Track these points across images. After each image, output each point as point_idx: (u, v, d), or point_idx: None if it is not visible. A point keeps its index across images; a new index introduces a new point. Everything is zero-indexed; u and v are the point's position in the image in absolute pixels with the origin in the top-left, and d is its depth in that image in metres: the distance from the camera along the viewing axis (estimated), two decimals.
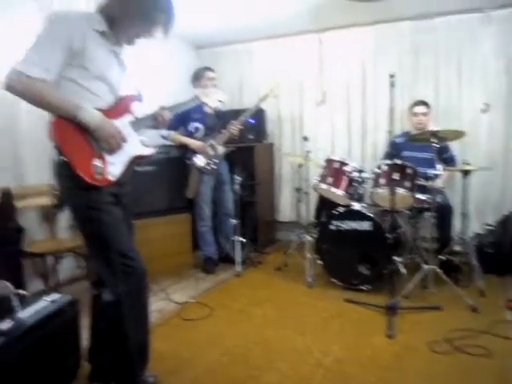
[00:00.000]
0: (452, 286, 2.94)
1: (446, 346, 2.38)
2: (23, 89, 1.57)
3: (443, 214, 3.44)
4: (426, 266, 3.07)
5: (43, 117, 3.16)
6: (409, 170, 3.27)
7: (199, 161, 3.70)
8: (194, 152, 3.71)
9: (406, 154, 3.75)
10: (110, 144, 1.74)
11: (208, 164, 3.72)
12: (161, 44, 4.44)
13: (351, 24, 4.54)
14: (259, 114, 4.60)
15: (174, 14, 1.85)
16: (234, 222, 3.92)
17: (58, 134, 1.66)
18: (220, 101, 2.40)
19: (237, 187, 3.87)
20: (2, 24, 2.95)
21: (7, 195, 2.92)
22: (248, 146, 4.45)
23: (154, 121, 2.01)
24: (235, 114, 4.08)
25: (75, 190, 1.71)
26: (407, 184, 3.22)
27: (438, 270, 3.01)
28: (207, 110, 3.79)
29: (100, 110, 1.73)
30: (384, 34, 4.43)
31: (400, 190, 3.14)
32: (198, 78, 3.89)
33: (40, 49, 1.60)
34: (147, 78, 3.68)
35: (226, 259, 4.05)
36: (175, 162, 3.93)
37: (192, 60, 5.34)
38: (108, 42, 1.79)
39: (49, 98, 1.60)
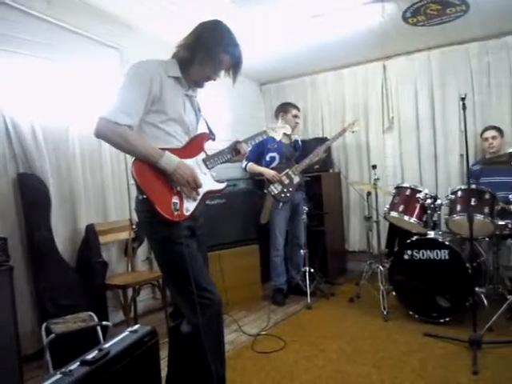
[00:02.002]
0: None
1: None
2: (112, 136, 1.71)
3: None
4: (510, 297, 2.87)
5: (121, 159, 3.48)
6: (487, 195, 3.09)
7: (274, 189, 3.80)
8: (270, 181, 3.82)
9: (483, 180, 3.58)
10: (186, 189, 1.83)
11: (282, 192, 3.81)
12: (227, 83, 4.69)
13: (415, 49, 4.50)
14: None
15: (241, 57, 1.96)
16: (303, 252, 3.91)
17: (139, 173, 1.76)
18: (285, 134, 2.51)
19: (304, 217, 3.88)
20: (85, 72, 3.27)
21: (92, 231, 3.15)
22: (314, 175, 4.46)
23: (231, 154, 2.10)
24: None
25: (155, 225, 1.81)
26: (486, 209, 3.05)
27: None
28: (284, 140, 3.95)
29: (175, 149, 1.84)
30: (451, 57, 4.34)
31: (479, 217, 2.98)
32: (284, 111, 4.11)
33: (125, 97, 1.76)
34: (213, 114, 3.87)
35: (296, 290, 4.04)
36: (244, 195, 4.08)
37: (256, 95, 5.55)
38: (182, 86, 1.92)
39: (135, 145, 1.73)
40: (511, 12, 3.57)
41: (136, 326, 2.17)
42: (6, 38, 2.74)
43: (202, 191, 1.94)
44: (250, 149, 2.25)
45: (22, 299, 2.74)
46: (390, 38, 4.15)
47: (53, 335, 2.27)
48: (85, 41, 3.28)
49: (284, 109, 4.15)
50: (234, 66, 1.97)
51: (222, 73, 1.99)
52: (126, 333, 2.08)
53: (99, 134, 1.73)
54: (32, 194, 2.84)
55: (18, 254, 2.76)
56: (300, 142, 4.29)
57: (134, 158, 1.77)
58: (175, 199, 1.81)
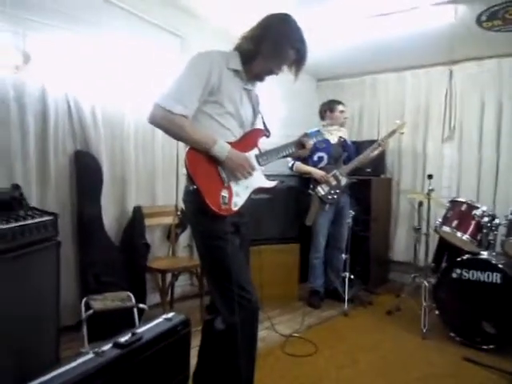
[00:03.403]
0: None
1: None
2: (167, 124, 1.72)
3: None
4: None
5: (173, 145, 3.53)
6: None
7: (321, 190, 3.72)
8: (317, 182, 3.74)
9: None
10: (240, 173, 1.81)
11: (329, 193, 3.73)
12: (282, 75, 4.65)
13: (486, 55, 4.22)
14: None
15: (306, 54, 1.90)
16: (344, 257, 3.82)
17: (191, 163, 1.75)
18: (341, 137, 2.43)
19: (349, 221, 3.78)
20: (147, 57, 3.33)
21: (139, 213, 3.22)
22: (365, 179, 4.32)
23: (296, 148, 2.08)
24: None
25: (201, 217, 1.79)
26: None
27: None
28: (332, 139, 3.88)
29: (228, 142, 1.82)
30: None
31: None
32: (330, 109, 3.99)
33: (182, 86, 1.74)
34: (266, 108, 3.84)
35: (333, 295, 3.95)
36: (290, 192, 4.03)
37: (312, 91, 5.45)
38: (241, 80, 1.89)
39: (189, 133, 1.72)
40: None
41: (171, 314, 2.20)
42: (75, 19, 2.84)
43: (251, 187, 1.92)
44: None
45: (68, 272, 2.86)
46: (459, 42, 3.91)
47: (91, 311, 2.36)
48: (150, 26, 3.33)
49: (330, 107, 4.01)
50: (298, 62, 1.91)
51: (285, 68, 1.94)
52: (161, 319, 2.11)
53: (153, 121, 1.73)
54: (86, 172, 2.95)
55: (67, 229, 2.88)
56: (349, 142, 4.13)
57: (188, 148, 1.76)
58: (224, 193, 1.79)
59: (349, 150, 4.01)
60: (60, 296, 2.13)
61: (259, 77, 1.95)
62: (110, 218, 3.17)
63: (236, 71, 1.86)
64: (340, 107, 4.00)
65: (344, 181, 3.80)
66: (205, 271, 1.92)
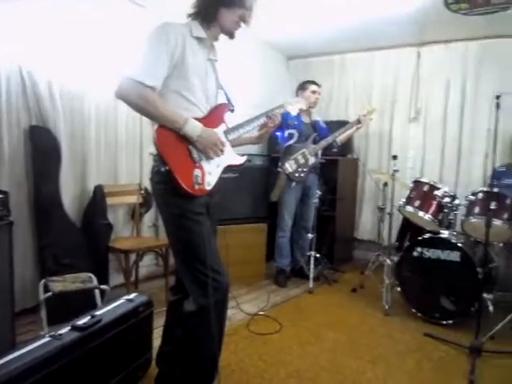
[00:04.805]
0: None
1: None
2: (137, 98, 1.61)
3: None
4: None
5: (136, 122, 3.41)
6: (508, 201, 2.96)
7: (289, 167, 3.70)
8: (286, 158, 3.72)
9: (506, 181, 3.43)
10: (213, 151, 1.75)
11: (297, 171, 3.72)
12: (253, 53, 4.58)
13: (454, 38, 4.26)
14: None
15: None
16: (310, 236, 3.84)
17: (162, 143, 1.66)
18: (301, 109, 2.39)
19: (316, 201, 3.79)
20: (107, 29, 3.17)
21: (100, 192, 3.11)
22: (332, 159, 4.33)
23: (264, 120, 2.02)
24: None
25: (173, 198, 1.71)
26: (505, 215, 2.92)
27: None
28: (304, 118, 3.87)
29: (197, 119, 1.74)
30: (490, 50, 4.09)
31: (497, 222, 2.85)
32: (302, 89, 3.98)
33: (149, 58, 1.65)
34: (238, 86, 3.75)
35: (299, 273, 4.00)
36: (258, 171, 4.00)
37: (283, 70, 5.38)
38: (205, 49, 1.81)
39: (159, 109, 1.64)
40: None
41: (132, 295, 2.15)
42: None
43: (222, 165, 1.87)
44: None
45: (25, 253, 2.75)
46: (428, 24, 3.92)
47: (49, 293, 2.28)
48: None
49: (302, 87, 4.01)
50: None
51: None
52: (122, 300, 2.07)
53: (121, 95, 1.62)
54: (43, 147, 2.81)
55: (24, 208, 2.75)
56: (321, 124, 4.12)
57: (156, 126, 1.67)
58: (197, 172, 1.72)
59: (322, 131, 4.00)
60: (14, 279, 2.03)
61: (230, 33, 1.86)
62: (70, 197, 3.04)
63: (200, 39, 1.78)
64: (312, 87, 3.97)
65: (312, 160, 3.79)
66: (176, 253, 1.83)
